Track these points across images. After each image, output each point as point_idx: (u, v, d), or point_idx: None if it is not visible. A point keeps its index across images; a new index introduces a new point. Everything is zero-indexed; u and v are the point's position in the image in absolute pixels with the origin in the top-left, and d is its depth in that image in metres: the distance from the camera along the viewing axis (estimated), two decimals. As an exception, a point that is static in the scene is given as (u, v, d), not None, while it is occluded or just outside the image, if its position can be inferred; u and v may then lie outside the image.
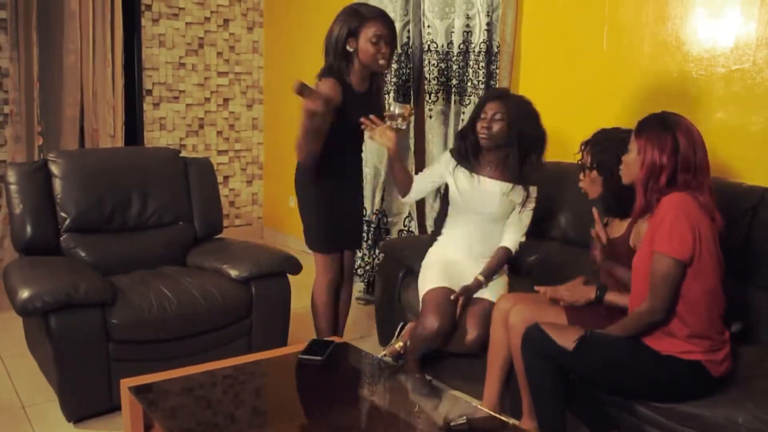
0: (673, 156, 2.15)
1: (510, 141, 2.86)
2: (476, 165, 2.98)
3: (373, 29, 2.79)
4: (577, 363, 2.21)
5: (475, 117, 2.95)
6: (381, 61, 2.85)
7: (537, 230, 3.18)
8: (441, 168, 3.06)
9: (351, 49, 2.83)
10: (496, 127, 2.86)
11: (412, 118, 2.93)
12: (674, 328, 2.15)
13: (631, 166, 2.25)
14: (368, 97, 2.98)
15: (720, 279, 2.18)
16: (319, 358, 2.38)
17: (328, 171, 2.97)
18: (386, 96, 4.25)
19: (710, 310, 2.17)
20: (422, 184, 3.09)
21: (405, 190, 3.10)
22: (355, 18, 2.81)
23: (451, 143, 3.96)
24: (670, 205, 2.12)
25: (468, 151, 2.97)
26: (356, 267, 4.57)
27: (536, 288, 2.59)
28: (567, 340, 2.20)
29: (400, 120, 2.87)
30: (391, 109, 2.92)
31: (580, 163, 2.67)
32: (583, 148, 2.66)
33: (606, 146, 2.55)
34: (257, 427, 2.10)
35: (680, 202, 2.11)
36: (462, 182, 2.98)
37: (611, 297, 2.45)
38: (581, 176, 2.66)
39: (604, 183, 2.56)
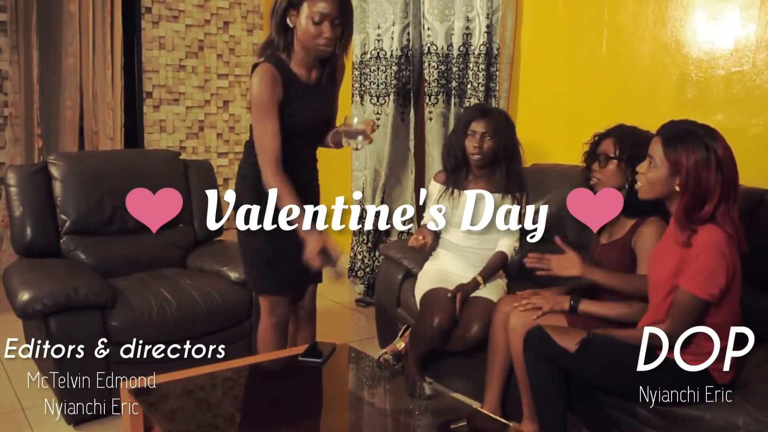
0: (719, 178, 2.03)
1: (500, 157, 2.92)
2: (464, 180, 3.02)
3: (318, 4, 2.22)
4: (579, 365, 2.20)
5: (460, 135, 2.97)
6: (321, 46, 2.29)
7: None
8: (435, 195, 3.09)
9: (291, 25, 2.29)
10: (486, 145, 2.90)
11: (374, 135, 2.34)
12: (688, 349, 2.13)
13: (660, 184, 2.13)
14: (318, 89, 2.42)
15: (739, 305, 2.15)
16: (319, 360, 2.38)
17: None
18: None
19: (727, 330, 2.14)
20: (437, 215, 3.08)
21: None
22: None
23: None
24: (708, 246, 2.04)
25: (457, 168, 3.01)
26: (356, 269, 4.57)
27: (518, 293, 2.61)
28: (569, 341, 2.19)
29: (360, 139, 2.27)
30: (348, 122, 2.29)
31: (587, 153, 2.59)
32: (600, 137, 2.56)
33: (640, 142, 2.42)
34: (257, 430, 2.10)
35: (718, 243, 2.04)
36: (446, 203, 3.02)
37: (585, 306, 2.47)
38: (595, 167, 2.55)
39: (631, 178, 2.44)
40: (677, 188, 2.10)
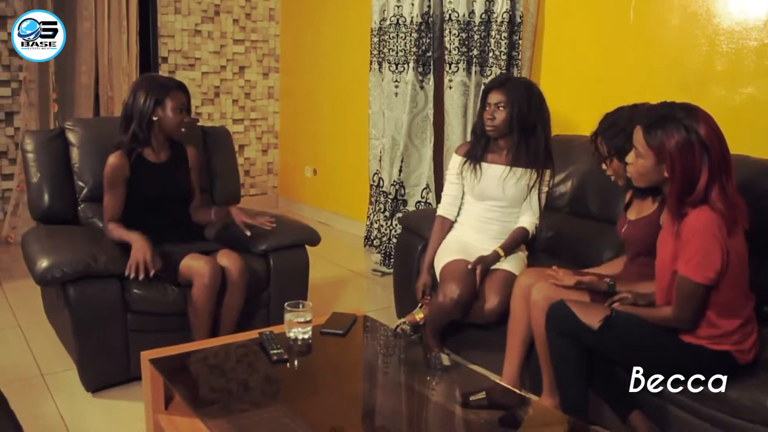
0: (706, 159, 1.99)
1: (513, 128, 2.87)
2: (487, 153, 2.99)
3: (177, 99, 2.86)
4: (602, 342, 2.18)
5: (480, 107, 2.99)
6: (183, 129, 2.90)
7: (554, 206, 3.22)
8: (455, 169, 3.07)
9: (155, 119, 2.85)
10: (499, 117, 2.87)
11: None
12: (702, 332, 2.11)
13: (649, 173, 2.11)
14: (168, 167, 2.95)
15: (747, 281, 2.12)
16: (340, 331, 2.37)
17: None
18: None
19: (739, 309, 2.12)
20: (455, 191, 3.08)
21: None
22: (159, 89, 2.85)
23: (470, 115, 3.91)
24: (697, 228, 2.00)
25: (477, 140, 3.00)
26: (372, 238, 4.55)
27: (553, 269, 2.57)
28: (592, 318, 2.17)
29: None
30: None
31: (595, 155, 2.59)
32: (593, 138, 2.57)
33: (617, 131, 2.47)
34: (277, 400, 2.09)
35: (707, 223, 1.99)
36: (468, 174, 3.00)
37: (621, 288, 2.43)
38: (603, 166, 2.58)
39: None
40: (666, 174, 2.06)
